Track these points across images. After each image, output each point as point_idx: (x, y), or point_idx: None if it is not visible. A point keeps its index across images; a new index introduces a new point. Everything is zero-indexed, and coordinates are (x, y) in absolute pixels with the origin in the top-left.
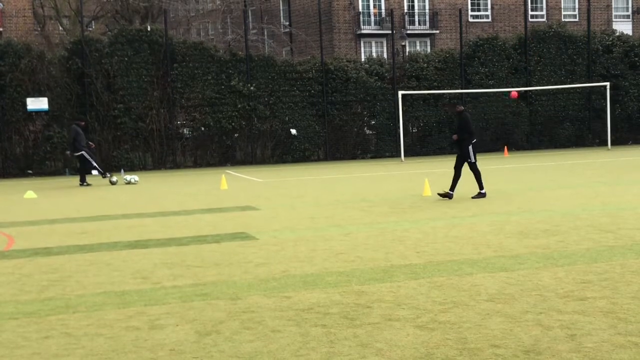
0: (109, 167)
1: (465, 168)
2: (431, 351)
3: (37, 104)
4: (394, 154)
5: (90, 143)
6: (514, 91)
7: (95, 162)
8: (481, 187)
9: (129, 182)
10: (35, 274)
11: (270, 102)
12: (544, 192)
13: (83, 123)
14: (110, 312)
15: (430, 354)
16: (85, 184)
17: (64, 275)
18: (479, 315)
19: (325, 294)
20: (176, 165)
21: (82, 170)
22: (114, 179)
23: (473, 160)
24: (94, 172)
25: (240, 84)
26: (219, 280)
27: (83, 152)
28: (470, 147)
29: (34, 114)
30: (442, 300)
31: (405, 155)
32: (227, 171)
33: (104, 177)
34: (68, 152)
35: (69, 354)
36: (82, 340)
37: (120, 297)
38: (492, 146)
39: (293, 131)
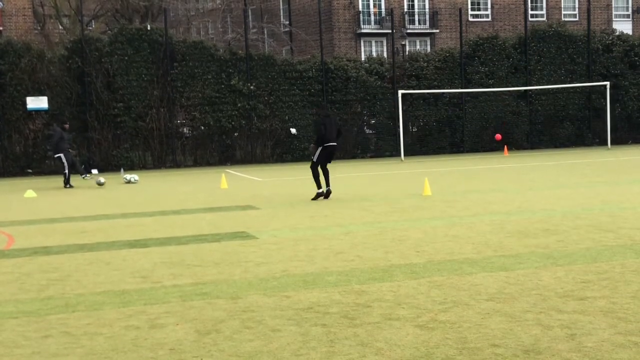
0: (109, 166)
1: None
2: (431, 351)
3: (37, 103)
4: (394, 153)
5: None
6: (498, 134)
7: (69, 170)
8: (319, 187)
9: (128, 182)
10: (35, 273)
11: (270, 101)
12: (544, 192)
13: (66, 126)
14: (110, 312)
15: (430, 354)
16: (68, 185)
17: (64, 274)
18: (478, 314)
19: (325, 293)
20: (176, 164)
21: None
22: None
23: (315, 160)
24: (94, 171)
25: (240, 83)
26: (218, 280)
27: (61, 155)
28: (319, 149)
29: (33, 112)
30: (442, 299)
31: (405, 155)
32: (227, 170)
33: (66, 186)
34: (50, 152)
35: (69, 353)
36: (81, 340)
37: (120, 296)
38: (492, 145)
39: (293, 130)
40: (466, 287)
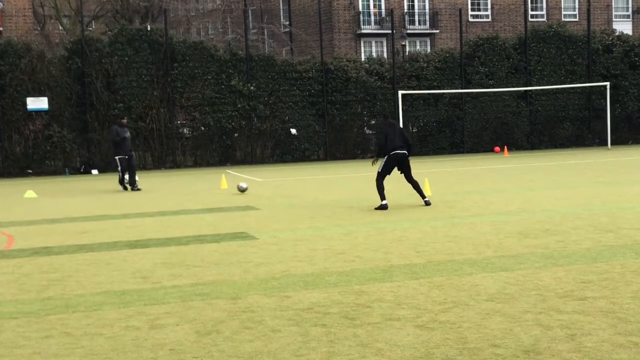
0: (109, 167)
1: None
2: (431, 351)
3: (37, 103)
4: None
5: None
6: (496, 147)
7: (124, 172)
8: (382, 198)
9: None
10: (35, 274)
11: (270, 101)
12: (544, 192)
13: (123, 121)
14: (110, 312)
15: (430, 354)
16: (125, 187)
17: (64, 274)
18: (478, 315)
19: (325, 293)
20: (176, 164)
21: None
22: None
23: (380, 171)
24: (94, 171)
25: (240, 83)
26: (218, 280)
27: (116, 158)
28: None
29: (34, 113)
30: (442, 300)
31: None
32: (227, 171)
33: (125, 188)
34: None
35: (69, 354)
36: (82, 340)
37: (120, 296)
38: (492, 146)
39: (293, 131)
40: (466, 287)
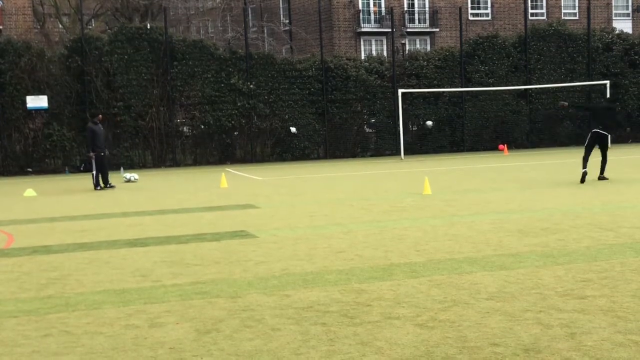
0: (108, 165)
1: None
2: (431, 350)
3: (37, 102)
4: (394, 152)
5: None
6: (501, 145)
7: (97, 171)
8: (583, 167)
9: (128, 181)
10: (34, 272)
11: (270, 100)
12: (544, 191)
13: (99, 116)
14: (109, 311)
15: (430, 353)
16: (99, 187)
17: (64, 273)
18: (478, 313)
19: (325, 292)
20: (176, 163)
21: (99, 172)
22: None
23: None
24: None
25: (240, 82)
26: (218, 279)
27: (92, 154)
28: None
29: (33, 112)
30: (442, 298)
31: (405, 154)
32: (227, 169)
33: (96, 188)
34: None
35: (69, 352)
36: (81, 339)
37: (120, 295)
38: (492, 144)
39: (293, 129)
40: (466, 286)
